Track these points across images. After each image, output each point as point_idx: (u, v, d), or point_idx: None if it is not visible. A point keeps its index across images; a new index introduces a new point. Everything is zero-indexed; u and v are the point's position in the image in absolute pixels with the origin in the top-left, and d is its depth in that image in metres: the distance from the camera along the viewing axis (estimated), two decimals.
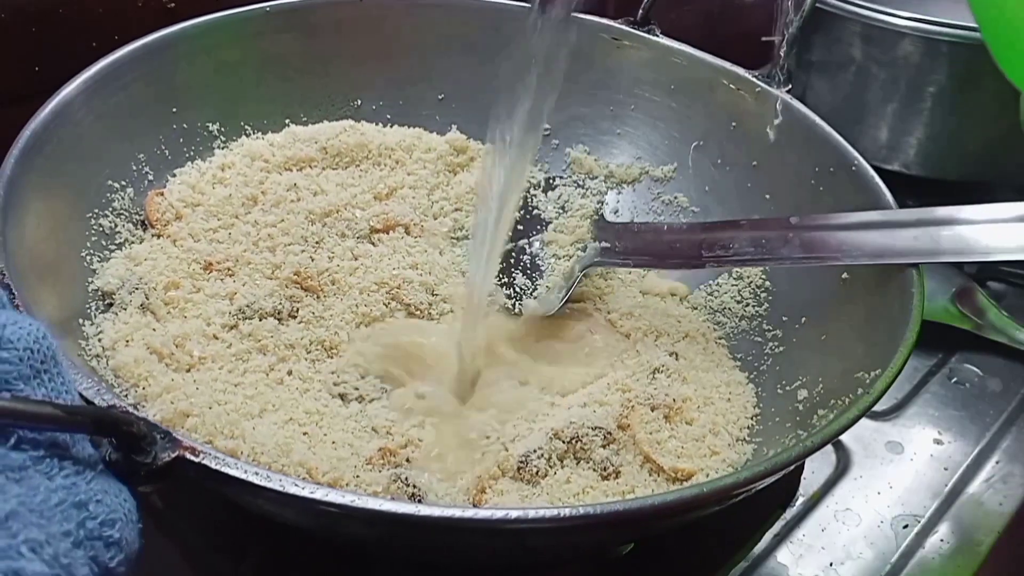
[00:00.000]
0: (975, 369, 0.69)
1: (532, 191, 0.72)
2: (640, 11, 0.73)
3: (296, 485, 0.35)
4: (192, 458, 0.35)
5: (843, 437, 0.44)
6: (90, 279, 0.54)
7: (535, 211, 0.71)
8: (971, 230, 0.53)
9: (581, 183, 0.73)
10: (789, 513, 0.57)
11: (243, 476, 0.35)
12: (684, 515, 0.42)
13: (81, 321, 0.50)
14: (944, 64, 0.76)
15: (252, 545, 0.52)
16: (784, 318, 0.61)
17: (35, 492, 0.28)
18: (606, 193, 0.73)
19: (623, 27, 0.73)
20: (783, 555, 0.54)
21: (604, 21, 0.74)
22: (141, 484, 0.33)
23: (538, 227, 0.71)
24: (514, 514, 0.35)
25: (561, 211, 0.71)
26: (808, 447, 0.41)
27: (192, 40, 0.65)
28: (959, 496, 0.59)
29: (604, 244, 0.66)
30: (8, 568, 0.25)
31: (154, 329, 0.52)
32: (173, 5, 0.71)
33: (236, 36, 0.68)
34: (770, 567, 0.53)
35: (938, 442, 0.63)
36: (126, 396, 0.47)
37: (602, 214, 0.70)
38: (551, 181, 0.74)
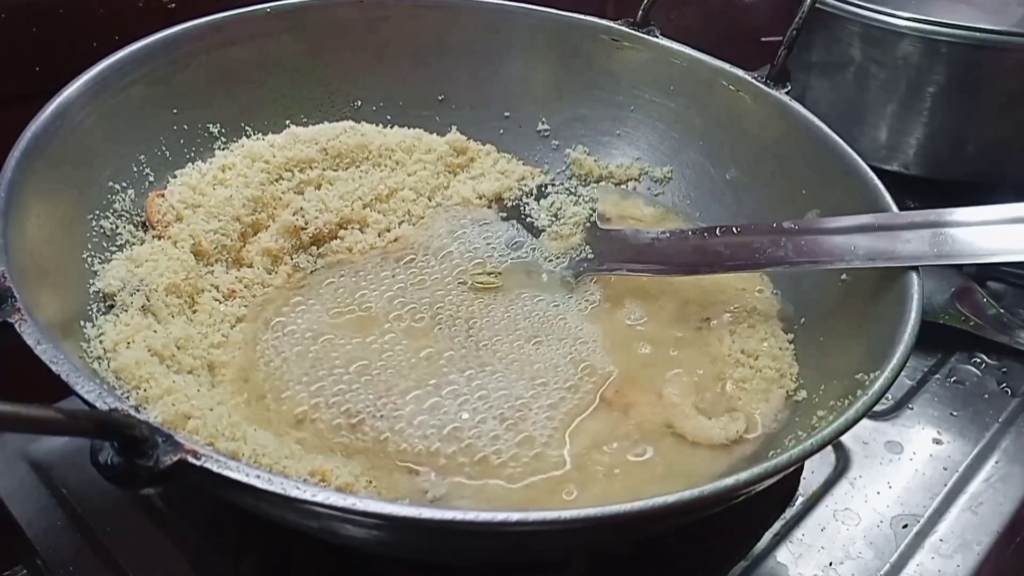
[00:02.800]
0: (974, 369, 0.69)
1: (524, 199, 0.71)
2: (640, 12, 0.73)
3: (298, 488, 0.35)
4: (194, 461, 0.35)
5: (843, 437, 0.44)
6: (91, 281, 0.54)
7: (528, 219, 0.70)
8: (965, 232, 0.54)
9: (573, 190, 0.73)
10: (789, 513, 0.57)
11: (245, 479, 0.35)
12: (684, 517, 0.42)
13: (82, 323, 0.50)
14: (944, 64, 0.76)
15: (252, 545, 0.52)
16: (783, 319, 0.62)
17: None
18: (598, 200, 0.72)
19: (623, 28, 0.73)
20: (783, 555, 0.54)
21: (604, 22, 0.74)
22: (143, 487, 0.33)
23: (531, 235, 0.70)
24: (515, 517, 0.36)
25: (554, 219, 0.70)
26: (808, 448, 0.41)
27: (192, 41, 0.65)
28: (958, 496, 0.59)
29: (598, 251, 0.65)
30: None
31: (155, 331, 0.52)
32: (173, 6, 0.71)
33: (236, 37, 0.68)
34: (770, 567, 0.53)
35: (937, 442, 0.63)
36: (127, 398, 0.47)
37: (595, 221, 0.69)
38: (543, 189, 0.72)
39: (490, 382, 0.56)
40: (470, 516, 0.36)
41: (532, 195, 0.72)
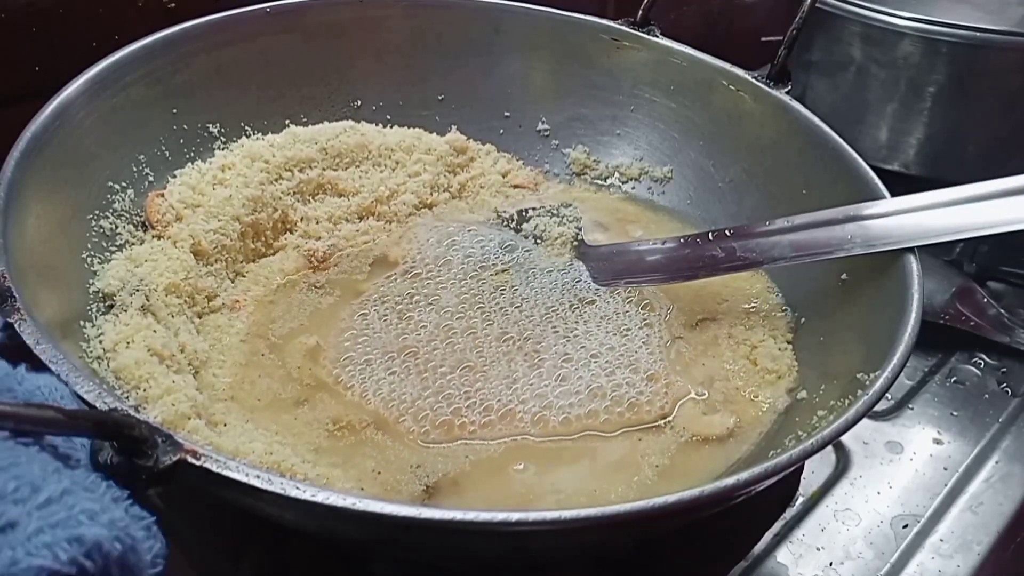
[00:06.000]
0: (974, 369, 0.69)
1: (507, 222, 0.69)
2: (640, 12, 0.73)
3: (297, 488, 0.35)
4: (194, 461, 0.35)
5: (843, 437, 0.44)
6: (91, 280, 0.53)
7: (512, 243, 0.68)
8: (959, 210, 0.55)
9: (555, 212, 0.70)
10: (789, 513, 0.57)
11: (245, 479, 0.35)
12: (684, 517, 0.42)
13: (82, 323, 0.50)
14: (944, 64, 0.76)
15: (252, 545, 0.52)
16: (783, 318, 0.62)
17: (87, 475, 0.31)
18: (580, 219, 0.70)
19: (623, 28, 0.73)
20: (783, 555, 0.54)
21: (604, 22, 0.74)
22: (143, 488, 0.33)
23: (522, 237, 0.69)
24: (515, 516, 0.36)
25: (539, 241, 0.68)
26: (808, 448, 0.41)
27: (192, 40, 0.65)
28: (959, 496, 0.59)
29: (590, 267, 0.65)
30: (71, 535, 0.28)
31: (155, 331, 0.52)
32: (173, 5, 0.71)
33: (236, 36, 0.68)
34: (770, 567, 0.53)
35: (938, 442, 0.63)
36: (127, 398, 0.47)
37: (582, 239, 0.68)
38: (524, 213, 0.70)
39: (587, 342, 0.58)
40: (469, 516, 0.36)
41: (513, 220, 0.70)
